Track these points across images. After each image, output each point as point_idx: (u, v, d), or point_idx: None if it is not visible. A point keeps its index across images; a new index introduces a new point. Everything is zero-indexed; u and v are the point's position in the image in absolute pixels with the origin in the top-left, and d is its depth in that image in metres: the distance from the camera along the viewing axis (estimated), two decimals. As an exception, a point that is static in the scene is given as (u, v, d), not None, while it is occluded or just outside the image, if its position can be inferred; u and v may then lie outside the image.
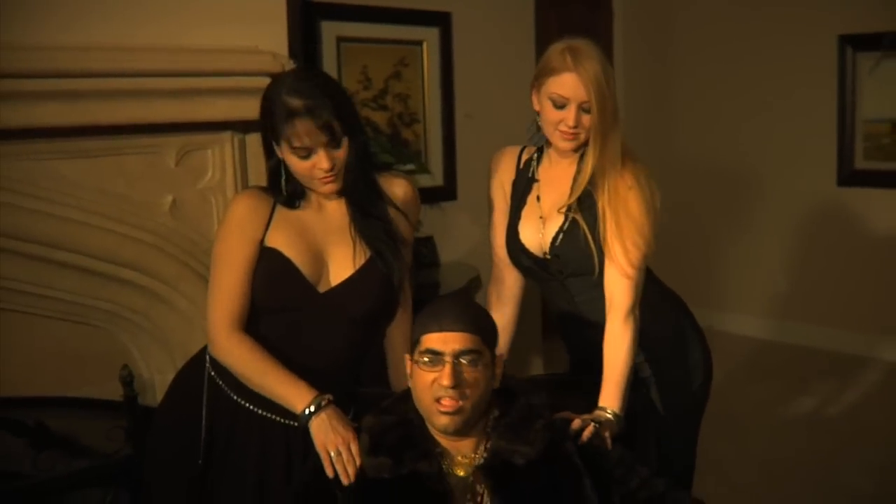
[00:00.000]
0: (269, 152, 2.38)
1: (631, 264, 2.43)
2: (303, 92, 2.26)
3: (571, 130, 2.43)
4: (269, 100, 2.31)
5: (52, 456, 2.88)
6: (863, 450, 4.74)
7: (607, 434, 2.23)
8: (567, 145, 2.48)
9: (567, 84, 2.40)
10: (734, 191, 6.79)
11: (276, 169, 2.38)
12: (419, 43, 5.42)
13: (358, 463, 2.09)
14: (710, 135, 6.85)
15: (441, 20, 5.50)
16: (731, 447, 4.46)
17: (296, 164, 2.29)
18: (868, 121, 6.20)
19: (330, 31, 4.87)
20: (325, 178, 2.31)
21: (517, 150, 2.72)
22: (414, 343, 2.07)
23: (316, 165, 2.29)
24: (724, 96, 6.75)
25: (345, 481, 2.08)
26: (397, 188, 2.48)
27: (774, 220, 6.71)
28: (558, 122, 2.44)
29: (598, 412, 2.33)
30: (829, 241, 6.49)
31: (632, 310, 2.45)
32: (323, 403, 2.24)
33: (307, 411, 2.23)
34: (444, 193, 5.46)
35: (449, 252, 5.34)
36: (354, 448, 2.12)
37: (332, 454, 2.13)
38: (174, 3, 3.15)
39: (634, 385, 2.49)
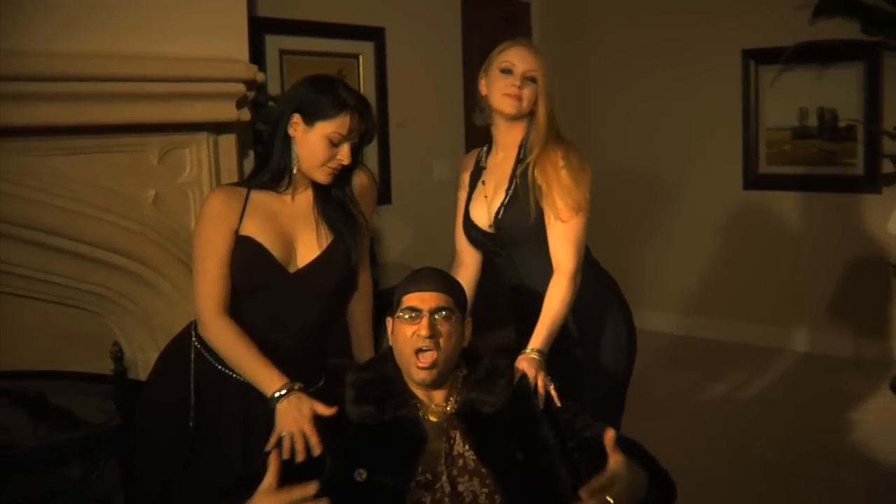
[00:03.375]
0: (282, 133, 2.61)
1: (561, 217, 2.80)
2: (357, 95, 2.60)
3: (517, 92, 2.82)
4: (317, 86, 2.60)
5: (49, 425, 3.10)
6: (770, 426, 5.13)
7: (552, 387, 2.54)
8: (511, 108, 2.85)
9: (515, 53, 2.85)
10: (647, 195, 7.10)
11: (284, 147, 2.62)
12: (356, 56, 5.66)
13: (314, 443, 2.29)
14: (625, 144, 7.14)
15: (376, 35, 5.76)
16: (652, 427, 4.72)
17: (320, 147, 2.56)
18: (770, 129, 6.61)
19: (274, 44, 5.08)
20: (337, 169, 2.60)
21: (478, 151, 3.12)
22: (396, 304, 2.34)
23: (337, 156, 2.56)
24: (638, 107, 7.06)
25: (287, 455, 2.26)
26: (356, 178, 2.75)
27: (685, 222, 7.05)
28: (506, 86, 2.84)
29: (527, 354, 2.62)
30: (736, 240, 6.85)
31: (574, 274, 2.80)
32: (293, 388, 2.45)
33: (276, 395, 2.44)
34: (379, 198, 5.64)
35: (386, 253, 5.60)
36: (308, 429, 2.32)
37: (285, 434, 2.33)
38: (156, 16, 3.41)
39: (565, 349, 2.82)
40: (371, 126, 2.62)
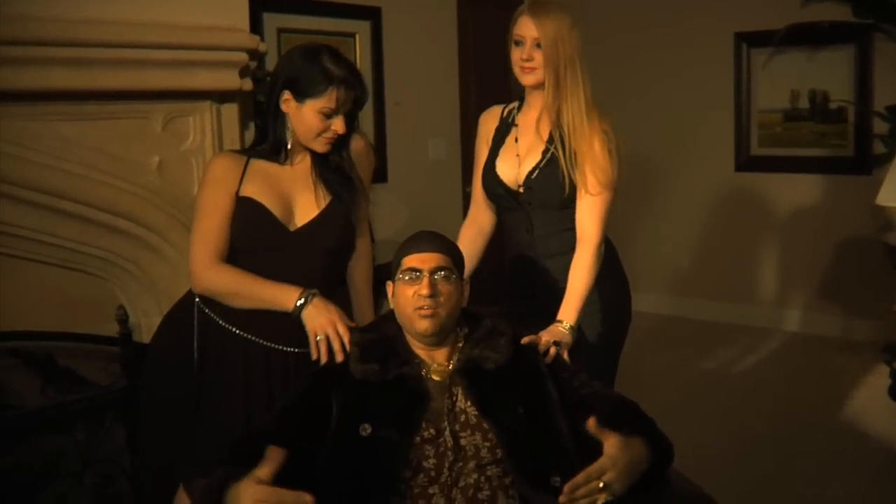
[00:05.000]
0: (273, 108, 2.68)
1: (590, 191, 2.86)
2: (344, 64, 2.63)
3: (527, 64, 2.87)
4: (303, 61, 2.63)
5: (56, 386, 3.16)
6: (761, 402, 5.21)
7: (564, 348, 2.62)
8: (527, 78, 2.91)
9: (522, 24, 2.88)
10: (640, 177, 7.00)
11: (278, 122, 2.69)
12: (352, 35, 5.68)
13: (346, 340, 2.43)
14: (618, 126, 7.00)
15: (372, 14, 5.79)
16: (645, 404, 4.79)
17: (313, 121, 2.61)
18: (762, 111, 6.69)
19: (271, 22, 5.11)
20: (333, 139, 2.66)
21: (501, 106, 3.15)
22: (396, 267, 2.39)
23: (331, 127, 2.62)
24: (631, 90, 7.03)
25: (325, 358, 2.41)
26: (353, 142, 2.80)
27: (678, 203, 7.13)
28: (518, 59, 2.89)
29: (556, 325, 2.72)
30: (728, 222, 6.93)
31: (599, 245, 2.87)
32: (311, 295, 2.55)
33: (298, 303, 2.54)
34: (375, 176, 5.69)
35: (381, 231, 5.64)
36: (341, 327, 2.45)
37: (319, 339, 2.45)
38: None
39: None
40: (361, 92, 2.66)
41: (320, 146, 2.66)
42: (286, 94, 2.63)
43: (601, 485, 2.05)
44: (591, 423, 2.16)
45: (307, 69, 2.60)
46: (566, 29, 2.85)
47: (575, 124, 2.87)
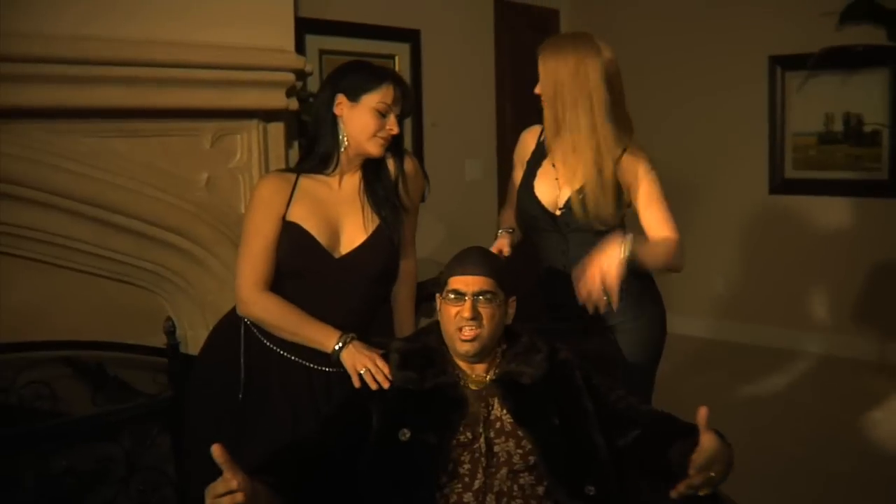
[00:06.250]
0: (325, 115, 2.73)
1: (660, 230, 3.05)
2: (391, 69, 2.75)
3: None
4: (353, 68, 2.73)
5: (106, 395, 3.23)
6: (794, 424, 5.22)
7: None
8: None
9: (538, 67, 2.95)
10: (674, 199, 6.83)
11: (330, 128, 2.73)
12: (392, 57, 5.78)
13: (386, 373, 2.45)
14: (652, 148, 6.79)
15: (411, 37, 5.90)
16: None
17: (369, 119, 2.66)
18: (796, 134, 6.67)
19: (314, 44, 5.20)
20: (388, 139, 2.71)
21: (539, 128, 3.19)
22: (443, 284, 2.44)
23: (386, 126, 2.67)
24: (665, 112, 7.06)
25: (373, 387, 2.44)
26: (405, 163, 2.84)
27: (712, 226, 7.07)
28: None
29: (615, 243, 2.76)
30: (762, 245, 6.91)
31: (680, 241, 3.05)
32: (348, 339, 2.59)
33: (337, 346, 2.57)
34: (413, 195, 5.79)
35: (418, 249, 5.65)
36: (380, 363, 2.48)
37: (362, 372, 2.48)
38: (210, 7, 3.60)
39: (601, 331, 2.96)
40: (410, 98, 2.73)
41: (376, 148, 2.70)
42: (339, 98, 2.68)
43: (712, 473, 2.11)
44: (703, 414, 2.16)
45: (358, 72, 2.70)
46: (568, 72, 2.91)
47: (626, 155, 3.00)
